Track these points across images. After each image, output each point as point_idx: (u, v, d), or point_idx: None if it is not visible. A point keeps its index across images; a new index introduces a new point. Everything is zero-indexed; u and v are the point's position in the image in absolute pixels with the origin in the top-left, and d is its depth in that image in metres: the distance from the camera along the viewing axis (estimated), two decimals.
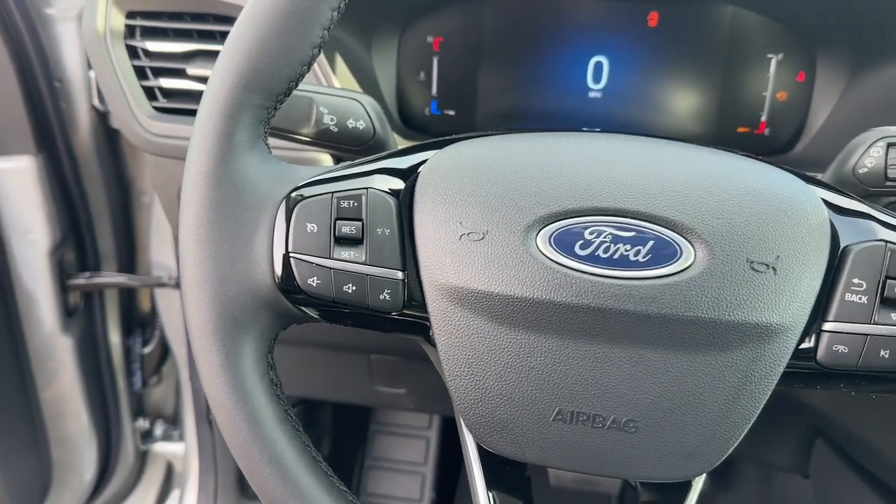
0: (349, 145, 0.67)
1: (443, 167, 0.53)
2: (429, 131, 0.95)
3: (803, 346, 0.49)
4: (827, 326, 0.49)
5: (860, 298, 0.48)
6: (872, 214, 0.51)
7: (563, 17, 0.89)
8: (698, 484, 0.54)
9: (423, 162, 0.54)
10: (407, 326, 0.54)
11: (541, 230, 0.49)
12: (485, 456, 0.56)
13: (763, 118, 0.90)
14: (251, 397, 0.53)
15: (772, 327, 0.48)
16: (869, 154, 0.63)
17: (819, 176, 0.69)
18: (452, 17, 0.91)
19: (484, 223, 0.50)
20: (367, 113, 0.68)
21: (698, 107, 0.90)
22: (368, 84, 0.88)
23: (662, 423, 0.49)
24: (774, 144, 0.90)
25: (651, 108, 0.91)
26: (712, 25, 0.87)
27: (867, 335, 0.48)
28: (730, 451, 0.50)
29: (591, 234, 0.49)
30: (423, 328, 0.53)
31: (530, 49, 0.90)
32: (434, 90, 0.94)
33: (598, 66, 0.90)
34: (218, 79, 0.51)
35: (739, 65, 0.88)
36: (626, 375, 0.49)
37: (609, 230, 0.49)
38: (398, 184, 0.54)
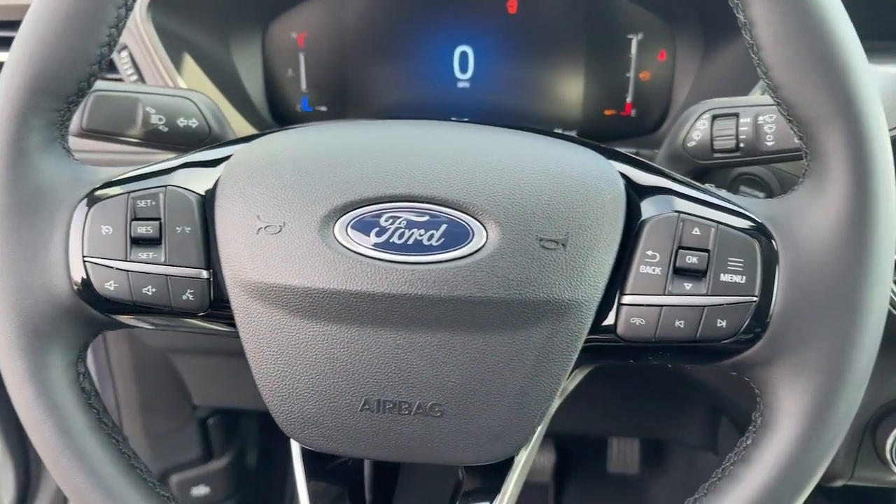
0: (183, 145, 0.66)
1: (245, 161, 0.52)
2: None
3: (605, 321, 0.49)
4: (625, 300, 0.49)
5: (654, 270, 0.48)
6: (669, 187, 0.51)
7: (425, 7, 0.88)
8: (518, 467, 0.54)
9: (230, 157, 0.54)
10: (218, 326, 0.53)
11: (338, 219, 0.49)
12: (305, 449, 0.55)
13: (629, 99, 0.90)
14: (60, 406, 0.51)
15: (564, 303, 0.47)
16: (696, 127, 0.64)
17: (657, 152, 0.70)
18: (315, 12, 0.90)
19: (281, 215, 0.49)
20: (200, 111, 0.67)
21: (564, 91, 0.91)
22: (229, 83, 0.87)
23: (467, 405, 0.49)
24: (642, 125, 0.91)
25: (519, 95, 0.91)
26: (571, 9, 0.87)
27: (661, 306, 0.48)
28: (536, 432, 0.50)
29: (386, 220, 0.48)
30: (234, 326, 0.52)
31: (394, 41, 0.90)
32: (303, 86, 0.93)
33: (464, 55, 0.90)
34: (3, 85, 0.49)
35: (601, 47, 0.88)
36: (428, 360, 0.48)
37: (404, 216, 0.48)
38: (203, 180, 0.53)
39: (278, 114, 0.94)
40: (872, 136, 0.45)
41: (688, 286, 0.48)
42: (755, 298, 0.47)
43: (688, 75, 0.86)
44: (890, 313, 0.69)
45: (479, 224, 0.48)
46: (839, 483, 0.82)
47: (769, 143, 0.61)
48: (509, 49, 0.89)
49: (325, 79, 0.92)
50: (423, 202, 0.49)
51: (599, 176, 0.50)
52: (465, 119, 0.92)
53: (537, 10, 0.87)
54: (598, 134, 0.91)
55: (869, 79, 0.45)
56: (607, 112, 0.91)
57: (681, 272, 0.48)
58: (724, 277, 0.47)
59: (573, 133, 0.92)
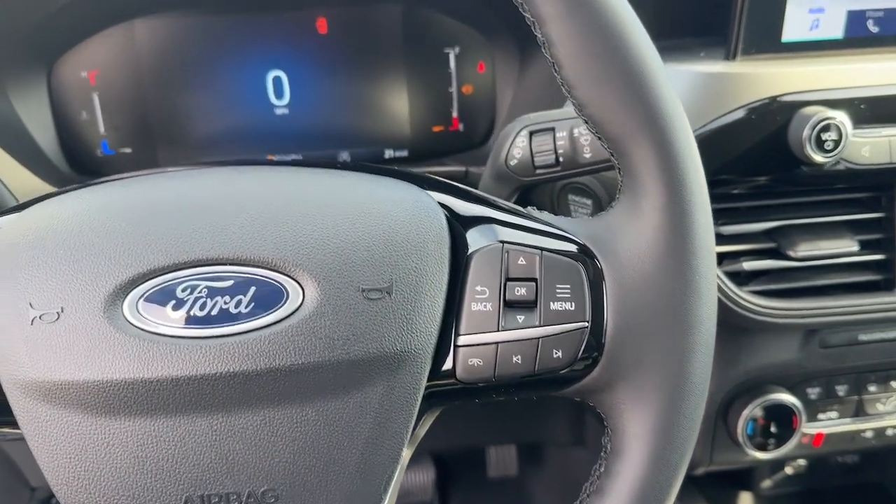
0: None
1: (10, 238, 0.45)
2: (105, 173, 0.85)
3: (444, 367, 0.46)
4: (460, 341, 0.46)
5: (485, 306, 0.46)
6: (490, 216, 0.49)
7: (227, 33, 0.82)
8: None
9: None
10: (5, 429, 0.45)
11: (126, 296, 0.42)
12: None
13: (454, 114, 0.89)
14: None
15: (398, 355, 0.44)
16: (515, 145, 0.63)
17: (483, 169, 0.68)
18: (104, 47, 0.81)
19: (57, 300, 0.42)
20: None
21: (390, 110, 0.88)
22: (11, 136, 0.77)
23: (304, 485, 0.44)
24: (471, 139, 0.90)
25: (343, 117, 0.87)
26: (384, 25, 0.84)
27: (497, 343, 0.46)
28: (386, 498, 0.47)
29: (183, 291, 0.43)
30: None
31: (199, 71, 0.83)
32: (101, 129, 0.84)
33: (278, 80, 0.85)
34: None
35: (420, 63, 0.86)
36: (252, 442, 0.43)
37: (204, 283, 0.43)
38: None
39: (77, 162, 0.84)
40: (680, 148, 0.45)
41: (520, 318, 0.46)
42: (586, 324, 0.46)
43: (508, 87, 0.86)
44: (723, 304, 0.73)
45: (292, 282, 0.44)
46: (701, 471, 0.85)
47: (587, 156, 0.60)
48: (325, 71, 0.85)
49: (126, 118, 0.84)
50: (223, 264, 0.43)
51: (419, 211, 0.47)
52: (291, 153, 0.87)
53: (348, 30, 0.84)
54: (429, 151, 0.89)
55: (670, 89, 0.45)
56: (435, 128, 0.89)
57: (512, 305, 0.46)
58: (555, 306, 0.46)
59: (405, 153, 0.90)
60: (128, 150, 0.85)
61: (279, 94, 0.85)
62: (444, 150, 0.89)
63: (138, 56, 0.82)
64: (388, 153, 0.89)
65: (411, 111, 0.88)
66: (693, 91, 0.67)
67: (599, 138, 0.47)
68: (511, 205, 0.51)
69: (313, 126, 0.87)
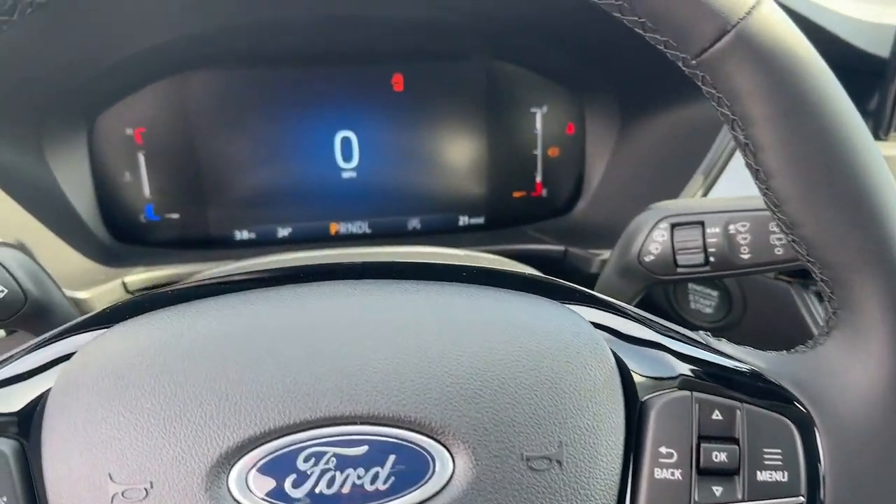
0: None
1: (79, 377, 0.35)
2: (149, 242, 0.76)
3: None
4: None
5: (673, 474, 0.37)
6: (662, 344, 0.40)
7: (290, 89, 0.73)
8: None
9: (53, 365, 0.36)
10: None
11: (232, 468, 0.33)
12: None
13: (538, 179, 0.80)
14: None
15: None
16: (652, 238, 0.54)
17: (605, 255, 0.60)
18: (153, 101, 0.72)
19: (146, 471, 0.33)
20: (10, 272, 0.49)
21: (466, 173, 0.79)
22: (47, 203, 0.67)
23: None
24: (554, 205, 0.81)
25: (414, 181, 0.78)
26: (466, 82, 0.76)
27: None
28: None
29: (306, 461, 0.33)
30: None
31: (259, 129, 0.74)
32: (146, 192, 0.75)
33: (347, 141, 0.76)
34: None
35: (503, 123, 0.77)
36: None
37: (332, 451, 0.33)
38: (12, 423, 0.35)
39: (118, 229, 0.75)
40: None
41: (718, 491, 0.36)
42: (802, 499, 0.36)
43: (602, 151, 0.77)
44: None
45: (439, 447, 0.34)
46: None
47: (745, 257, 0.51)
48: (398, 131, 0.76)
49: (174, 180, 0.75)
50: (354, 424, 0.34)
51: (583, 346, 0.38)
52: (356, 219, 0.78)
53: (426, 87, 0.75)
54: (508, 218, 0.80)
55: None
56: (516, 194, 0.80)
57: (706, 472, 0.37)
58: (762, 476, 0.37)
59: (481, 219, 0.80)
60: (175, 216, 0.76)
61: (347, 156, 0.76)
62: (524, 218, 0.80)
63: (190, 112, 0.73)
64: (463, 220, 0.80)
65: (490, 174, 0.79)
66: None
67: (810, 262, 0.38)
68: (679, 329, 0.42)
69: (382, 190, 0.78)
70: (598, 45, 0.70)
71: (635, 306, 0.61)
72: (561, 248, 0.70)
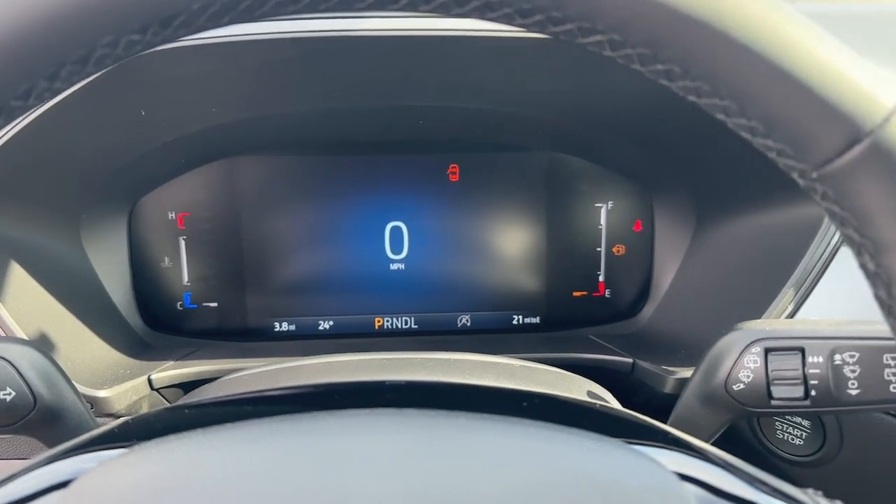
0: None
1: None
2: (186, 331, 0.71)
3: None
4: None
5: None
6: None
7: (340, 176, 0.70)
8: None
9: (48, 492, 0.31)
10: None
11: None
12: None
13: (601, 278, 0.74)
14: None
15: None
16: (743, 364, 0.47)
17: (681, 374, 0.53)
18: (197, 186, 0.69)
19: None
20: (21, 374, 0.44)
21: (523, 270, 0.73)
22: (79, 289, 0.64)
23: None
24: (618, 308, 0.74)
25: (466, 276, 0.72)
26: (524, 174, 0.71)
27: None
28: None
29: None
30: None
31: (306, 217, 0.70)
32: (185, 278, 0.71)
33: (397, 231, 0.71)
34: None
35: (564, 216, 0.72)
36: None
37: None
38: None
39: (152, 316, 0.71)
40: None
41: None
42: None
43: (673, 252, 0.71)
44: None
45: None
46: None
47: (852, 392, 0.44)
48: (452, 223, 0.71)
49: (215, 267, 0.71)
50: None
51: None
52: (403, 313, 0.72)
53: (484, 178, 0.70)
54: (567, 319, 0.74)
55: None
56: (576, 293, 0.74)
57: None
58: None
59: (536, 319, 0.74)
60: (213, 305, 0.71)
61: (397, 248, 0.71)
62: (584, 320, 0.74)
63: (236, 197, 0.69)
64: (517, 318, 0.74)
65: (549, 271, 0.73)
66: None
67: None
68: (784, 488, 0.34)
69: (431, 284, 0.72)
70: (671, 139, 0.64)
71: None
72: (629, 360, 0.63)
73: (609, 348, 0.66)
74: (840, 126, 0.29)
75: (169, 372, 0.61)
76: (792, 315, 0.56)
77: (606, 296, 0.74)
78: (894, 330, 0.31)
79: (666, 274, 0.71)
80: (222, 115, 0.62)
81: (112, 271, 0.68)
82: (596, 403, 0.42)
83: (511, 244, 0.72)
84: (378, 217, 0.70)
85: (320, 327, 0.72)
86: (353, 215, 0.70)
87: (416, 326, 0.73)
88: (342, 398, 0.40)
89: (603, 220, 0.72)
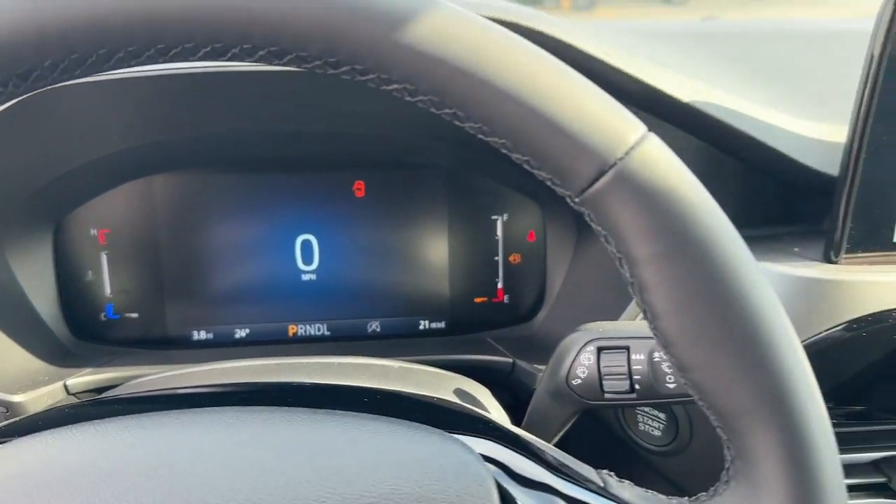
0: None
1: None
2: (109, 339, 0.76)
3: None
4: None
5: None
6: (553, 487, 0.38)
7: (254, 193, 0.75)
8: None
9: None
10: None
11: None
12: None
13: (499, 285, 0.79)
14: None
15: None
16: (580, 362, 0.52)
17: (539, 376, 0.58)
18: (116, 204, 0.74)
19: None
20: None
21: (428, 278, 0.78)
22: (7, 302, 0.68)
23: None
24: (516, 312, 0.80)
25: (375, 285, 0.78)
26: (427, 189, 0.76)
27: None
28: None
29: None
30: None
31: (221, 232, 0.75)
32: (108, 291, 0.75)
33: (307, 244, 0.76)
34: None
35: (464, 229, 0.77)
36: None
37: None
38: None
39: (78, 326, 0.75)
40: (813, 434, 0.34)
41: None
42: None
43: (562, 260, 0.77)
44: None
45: None
46: None
47: (670, 386, 0.50)
48: (359, 236, 0.76)
49: (135, 280, 0.76)
50: None
51: (464, 486, 0.36)
52: (316, 321, 0.78)
53: (388, 194, 0.76)
54: (470, 323, 0.79)
55: (799, 356, 0.35)
56: (478, 300, 0.80)
57: None
58: None
59: (441, 324, 0.80)
60: (134, 315, 0.76)
61: (307, 259, 0.76)
62: (485, 323, 0.79)
63: (155, 214, 0.74)
64: (424, 324, 0.79)
65: (452, 279, 0.78)
66: (789, 299, 0.56)
67: (704, 407, 0.36)
68: (578, 470, 0.40)
69: (342, 293, 0.78)
70: None
71: (581, 424, 0.59)
72: (510, 360, 0.69)
73: (496, 349, 0.72)
74: (590, 159, 0.34)
75: (85, 378, 0.66)
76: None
77: (505, 301, 0.80)
78: (652, 331, 0.36)
79: (556, 281, 0.77)
80: (133, 138, 0.68)
81: (38, 285, 0.72)
82: (433, 399, 0.47)
83: (416, 255, 0.78)
84: (288, 231, 0.76)
85: (237, 335, 0.77)
86: (265, 229, 0.75)
87: (328, 333, 0.78)
88: (202, 399, 0.45)
89: (499, 232, 0.78)
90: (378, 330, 0.79)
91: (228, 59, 0.34)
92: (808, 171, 0.61)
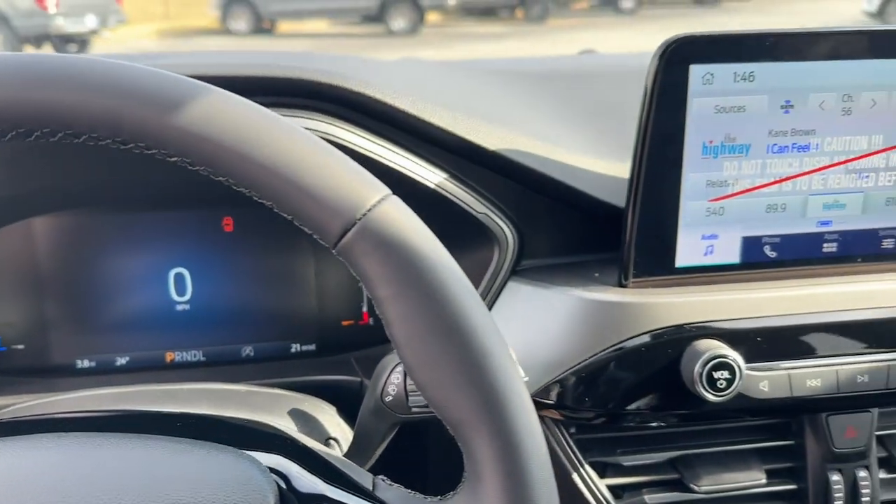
0: None
1: None
2: None
3: None
4: None
5: None
6: (327, 495, 0.45)
7: (128, 231, 0.81)
8: None
9: None
10: None
11: None
12: None
13: (364, 308, 0.87)
14: None
15: None
16: (390, 381, 0.60)
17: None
18: None
19: None
20: None
21: (296, 305, 0.85)
22: None
23: None
24: (381, 333, 0.86)
25: (247, 313, 0.84)
26: (292, 223, 0.83)
27: None
28: None
29: None
30: None
31: (99, 268, 0.81)
32: None
33: (180, 277, 0.83)
34: None
35: (328, 259, 0.84)
36: None
37: None
38: None
39: None
40: (519, 435, 0.42)
41: None
42: None
43: None
44: None
45: None
46: None
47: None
48: (229, 268, 0.83)
49: (20, 314, 0.81)
50: None
51: (242, 497, 0.43)
52: (192, 348, 0.84)
53: (255, 229, 0.82)
54: (338, 345, 0.86)
55: (510, 371, 0.42)
56: (345, 322, 0.87)
57: None
58: None
59: (312, 346, 0.86)
60: (20, 347, 0.82)
61: (181, 291, 0.83)
62: (353, 344, 0.86)
63: (36, 253, 0.80)
64: (295, 347, 0.86)
65: (320, 305, 0.85)
66: (584, 319, 0.65)
67: (441, 420, 0.44)
68: (353, 477, 0.47)
69: (216, 321, 0.84)
70: None
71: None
72: (358, 379, 0.76)
73: (352, 369, 0.79)
74: (337, 218, 0.42)
75: None
76: None
77: (371, 323, 0.87)
78: (399, 357, 0.44)
79: None
80: (8, 188, 0.73)
81: None
82: (243, 420, 0.54)
83: (285, 282, 0.84)
84: (160, 265, 0.82)
85: (118, 363, 0.83)
86: (140, 264, 0.81)
87: (204, 359, 0.85)
88: (33, 427, 0.51)
89: None
90: (252, 354, 0.86)
91: (35, 139, 0.41)
92: (606, 206, 0.69)
